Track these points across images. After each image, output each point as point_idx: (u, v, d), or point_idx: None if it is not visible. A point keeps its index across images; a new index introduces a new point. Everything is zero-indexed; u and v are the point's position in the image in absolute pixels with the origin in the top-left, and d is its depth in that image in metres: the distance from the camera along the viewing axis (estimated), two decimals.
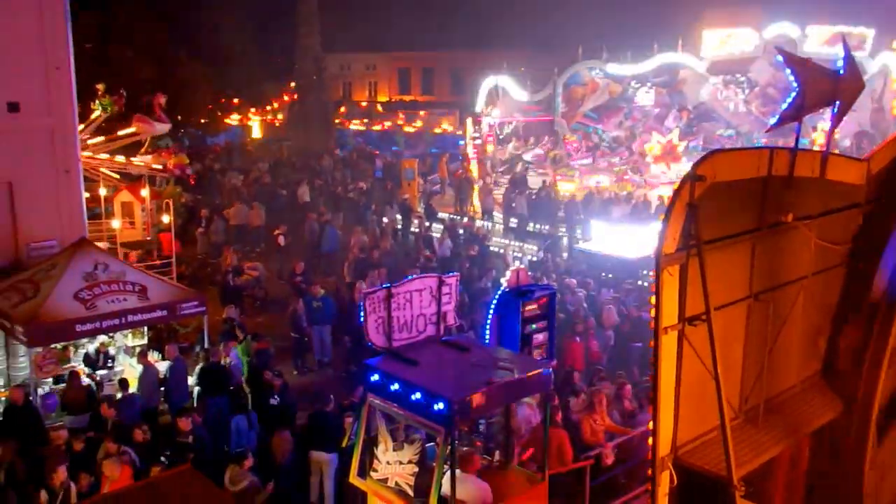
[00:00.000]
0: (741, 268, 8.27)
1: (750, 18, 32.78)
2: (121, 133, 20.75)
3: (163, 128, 20.76)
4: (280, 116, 59.27)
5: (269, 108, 59.20)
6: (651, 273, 7.41)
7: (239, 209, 27.16)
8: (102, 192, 23.47)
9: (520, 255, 23.01)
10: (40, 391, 12.95)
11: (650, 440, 7.63)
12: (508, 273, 12.01)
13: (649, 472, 7.77)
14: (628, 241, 19.31)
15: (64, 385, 13.26)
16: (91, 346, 14.36)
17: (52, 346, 13.20)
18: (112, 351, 14.58)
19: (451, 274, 9.54)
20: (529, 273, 12.97)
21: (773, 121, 8.43)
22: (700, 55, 33.00)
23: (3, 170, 14.81)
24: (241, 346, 14.71)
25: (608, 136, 33.86)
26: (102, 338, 14.27)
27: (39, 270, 13.75)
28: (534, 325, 11.58)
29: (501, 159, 32.79)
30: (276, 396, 12.71)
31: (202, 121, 40.46)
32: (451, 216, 27.50)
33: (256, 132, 54.59)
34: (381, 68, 62.12)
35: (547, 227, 24.80)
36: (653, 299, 7.29)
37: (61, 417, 12.60)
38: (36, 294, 13.07)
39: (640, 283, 19.11)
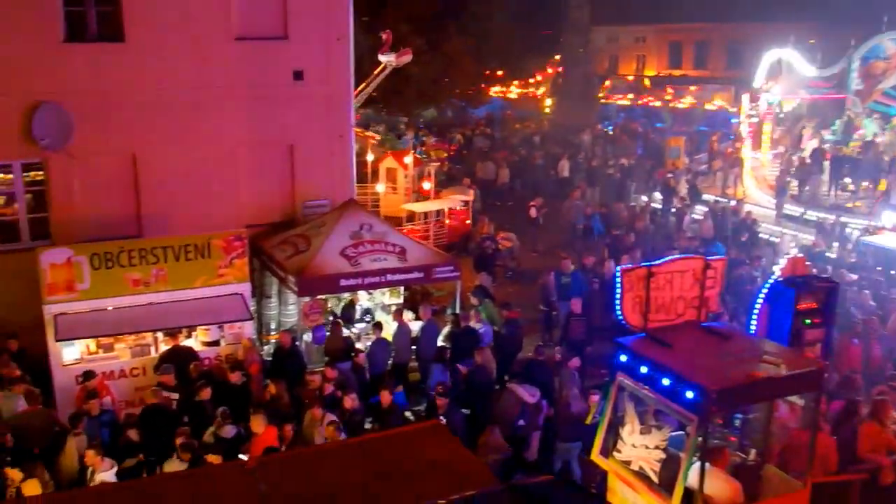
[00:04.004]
0: None
1: None
2: (376, 72, 21.87)
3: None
4: (542, 90, 59.34)
5: (532, 80, 59.51)
6: None
7: (486, 165, 30.42)
8: (369, 157, 24.87)
9: (794, 244, 21.05)
10: (306, 337, 13.90)
11: None
12: (783, 261, 10.97)
13: None
14: None
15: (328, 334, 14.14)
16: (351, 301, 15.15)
17: (319, 297, 14.09)
18: (370, 307, 15.32)
19: (718, 257, 8.86)
20: (808, 263, 11.73)
21: None
22: None
23: (287, 133, 15.96)
24: (485, 311, 14.78)
25: None
26: (362, 294, 14.99)
27: (311, 227, 14.77)
28: (808, 321, 10.57)
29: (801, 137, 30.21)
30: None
31: (468, 92, 41.44)
32: (717, 199, 25.91)
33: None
34: (651, 41, 59.57)
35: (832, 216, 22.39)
36: None
37: (322, 363, 13.46)
38: (307, 248, 14.05)
39: None
